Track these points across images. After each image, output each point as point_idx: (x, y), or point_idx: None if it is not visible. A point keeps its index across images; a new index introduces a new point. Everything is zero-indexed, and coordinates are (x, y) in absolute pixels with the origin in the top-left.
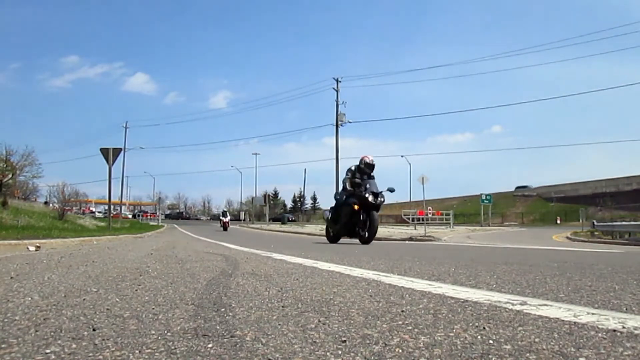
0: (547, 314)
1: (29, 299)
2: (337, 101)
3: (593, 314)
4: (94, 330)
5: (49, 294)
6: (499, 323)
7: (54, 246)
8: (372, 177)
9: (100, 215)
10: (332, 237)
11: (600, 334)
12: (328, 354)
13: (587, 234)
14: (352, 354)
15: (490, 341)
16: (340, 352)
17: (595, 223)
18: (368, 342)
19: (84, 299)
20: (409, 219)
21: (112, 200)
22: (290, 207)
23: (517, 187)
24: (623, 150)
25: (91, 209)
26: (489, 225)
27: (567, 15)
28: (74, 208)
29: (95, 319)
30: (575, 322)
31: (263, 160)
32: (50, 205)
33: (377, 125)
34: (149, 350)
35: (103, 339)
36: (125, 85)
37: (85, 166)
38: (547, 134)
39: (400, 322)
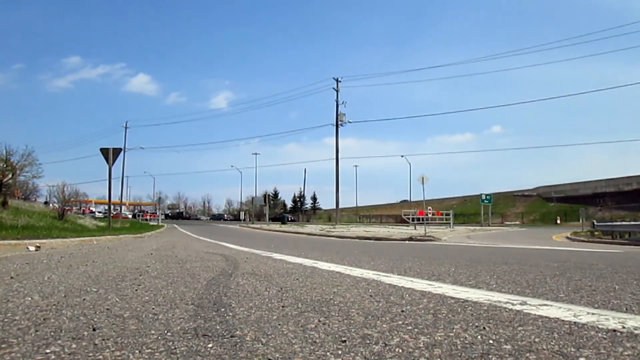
0: (547, 314)
1: (29, 299)
2: (337, 101)
3: (593, 314)
4: (94, 330)
5: (49, 294)
6: (499, 323)
7: (54, 246)
8: None
9: (100, 215)
10: None
11: (600, 334)
12: (328, 354)
13: (587, 234)
14: (352, 354)
15: (490, 341)
16: (340, 352)
17: (595, 223)
18: (368, 342)
19: (84, 299)
20: (409, 219)
21: (112, 200)
22: (290, 207)
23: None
24: (623, 150)
25: (91, 209)
26: (489, 225)
27: (566, 16)
28: (74, 208)
29: (95, 319)
30: (575, 322)
31: (263, 160)
32: (50, 205)
33: (377, 125)
34: (149, 350)
35: (103, 339)
36: (127, 85)
37: (85, 166)
38: (547, 134)
39: (400, 322)
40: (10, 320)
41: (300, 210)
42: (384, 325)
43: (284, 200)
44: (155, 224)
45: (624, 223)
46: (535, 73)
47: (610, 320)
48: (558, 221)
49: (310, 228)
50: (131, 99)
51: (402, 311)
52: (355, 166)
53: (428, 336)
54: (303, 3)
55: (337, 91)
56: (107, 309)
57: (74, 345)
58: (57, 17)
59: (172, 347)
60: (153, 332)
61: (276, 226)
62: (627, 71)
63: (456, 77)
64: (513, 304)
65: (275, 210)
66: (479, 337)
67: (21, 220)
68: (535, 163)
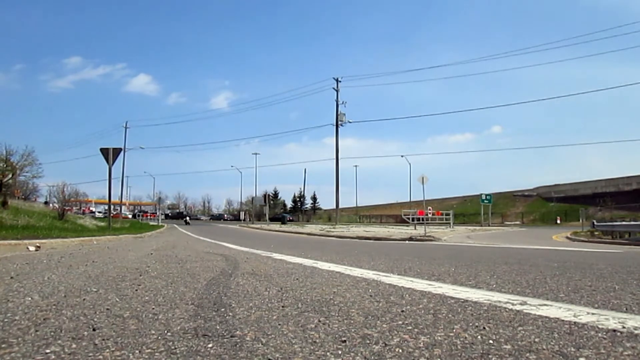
0: (547, 314)
1: (29, 299)
2: (337, 101)
3: (593, 314)
4: (94, 330)
5: (49, 294)
6: (499, 323)
7: (54, 246)
8: None
9: (100, 215)
10: None
11: (600, 334)
12: (328, 354)
13: (587, 234)
14: (352, 354)
15: (490, 341)
16: (340, 352)
17: (595, 223)
18: (368, 342)
19: (84, 299)
20: (409, 219)
21: (112, 200)
22: (290, 207)
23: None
24: (623, 150)
25: (91, 208)
26: (489, 225)
27: (566, 16)
28: (74, 208)
29: (95, 319)
30: (575, 322)
31: (263, 161)
32: (50, 205)
33: (377, 125)
34: (149, 350)
35: (103, 339)
36: (128, 86)
37: (85, 166)
38: (547, 134)
39: (400, 322)
40: (10, 320)
41: (300, 210)
42: (384, 325)
43: (284, 200)
44: (155, 224)
45: (623, 223)
46: (535, 73)
47: (610, 320)
48: (558, 221)
49: (310, 228)
50: (131, 99)
51: (402, 311)
52: (355, 166)
53: (428, 336)
54: (303, 3)
55: (337, 91)
56: (107, 309)
57: (74, 345)
58: (57, 17)
59: (172, 347)
60: (153, 332)
61: (276, 226)
62: (627, 71)
63: (456, 77)
64: (513, 304)
65: (275, 210)
66: (479, 337)
67: (21, 220)
68: (535, 163)
